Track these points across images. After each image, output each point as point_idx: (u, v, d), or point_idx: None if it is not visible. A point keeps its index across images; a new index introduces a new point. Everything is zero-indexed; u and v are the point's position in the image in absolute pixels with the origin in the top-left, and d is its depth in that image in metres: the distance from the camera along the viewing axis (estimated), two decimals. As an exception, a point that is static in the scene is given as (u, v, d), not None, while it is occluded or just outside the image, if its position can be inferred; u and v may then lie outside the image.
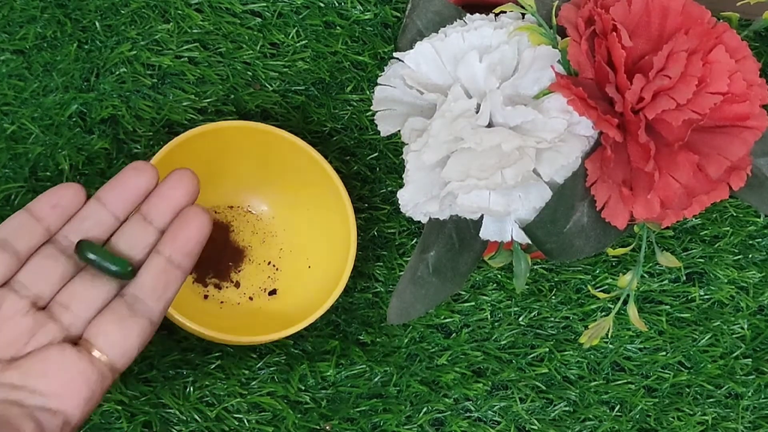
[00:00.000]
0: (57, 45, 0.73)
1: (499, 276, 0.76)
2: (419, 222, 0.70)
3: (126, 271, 0.54)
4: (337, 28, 0.77)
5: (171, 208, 0.56)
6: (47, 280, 0.54)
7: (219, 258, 0.73)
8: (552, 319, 0.76)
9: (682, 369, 0.76)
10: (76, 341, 0.53)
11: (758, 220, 0.79)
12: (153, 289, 0.54)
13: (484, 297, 0.75)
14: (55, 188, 0.55)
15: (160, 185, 0.56)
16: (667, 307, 0.77)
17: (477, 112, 0.56)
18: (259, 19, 0.76)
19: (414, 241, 0.75)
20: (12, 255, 0.53)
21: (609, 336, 0.76)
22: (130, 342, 0.53)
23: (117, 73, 0.73)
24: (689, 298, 0.77)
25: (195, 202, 0.56)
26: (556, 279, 0.76)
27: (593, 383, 0.75)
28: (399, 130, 0.59)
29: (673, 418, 0.75)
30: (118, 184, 0.56)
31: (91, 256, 0.53)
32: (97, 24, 0.74)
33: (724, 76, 0.55)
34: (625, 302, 0.60)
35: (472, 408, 0.74)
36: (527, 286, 0.76)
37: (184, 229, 0.55)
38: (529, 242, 0.58)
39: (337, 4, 0.77)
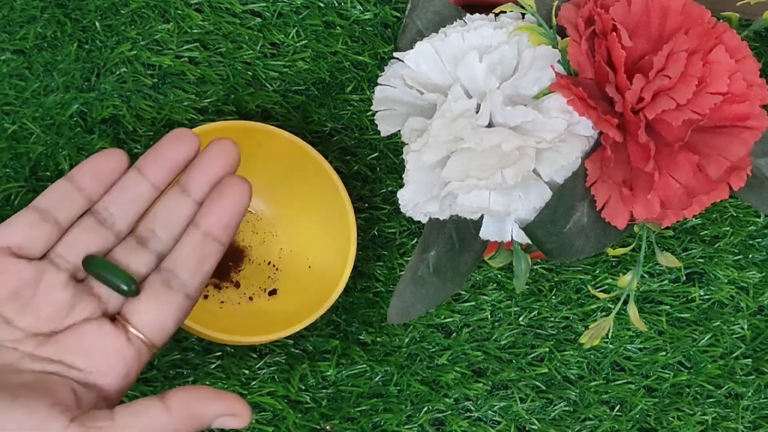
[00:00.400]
0: (57, 45, 0.73)
1: (499, 276, 0.76)
2: (419, 222, 0.70)
3: (131, 290, 0.53)
4: (337, 28, 0.77)
5: (209, 180, 0.55)
6: (86, 253, 0.53)
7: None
8: (552, 319, 0.76)
9: (682, 369, 0.77)
10: (113, 317, 0.53)
11: (758, 220, 0.79)
12: (189, 263, 0.53)
13: (485, 297, 0.75)
14: (98, 155, 0.54)
15: (199, 156, 0.55)
16: (667, 307, 0.77)
17: (477, 112, 0.56)
18: (259, 19, 0.76)
19: (414, 240, 0.76)
20: (53, 225, 0.53)
21: (609, 336, 0.76)
22: (166, 319, 0.53)
23: (117, 72, 0.73)
24: (689, 298, 0.77)
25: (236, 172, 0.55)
26: (556, 279, 0.76)
27: (593, 383, 0.75)
28: (399, 130, 0.59)
29: (673, 418, 0.75)
30: (159, 153, 0.55)
31: (99, 272, 0.53)
32: (97, 24, 0.74)
33: (724, 76, 0.55)
34: (625, 302, 0.60)
35: (473, 408, 0.74)
36: (527, 286, 0.76)
37: (221, 201, 0.54)
38: (529, 242, 0.58)
39: (337, 4, 0.77)
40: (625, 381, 0.76)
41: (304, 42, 0.76)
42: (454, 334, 0.75)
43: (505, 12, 0.59)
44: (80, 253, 0.53)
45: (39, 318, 0.51)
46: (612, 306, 0.76)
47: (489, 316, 0.75)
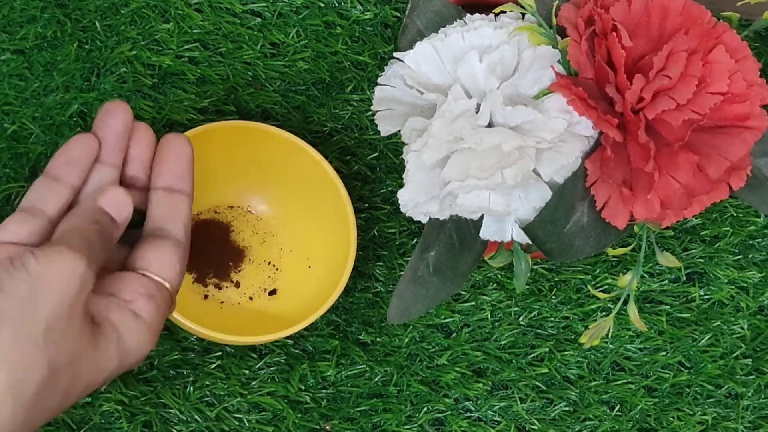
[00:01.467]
0: (57, 45, 0.73)
1: (500, 276, 0.76)
2: (419, 222, 0.70)
3: (140, 219, 0.56)
4: (337, 28, 0.77)
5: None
6: None
7: (219, 258, 0.73)
8: (552, 319, 0.76)
9: (682, 369, 0.76)
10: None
11: (758, 220, 0.79)
12: (165, 214, 0.56)
13: (485, 297, 0.75)
14: (64, 146, 0.56)
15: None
16: (667, 307, 0.77)
17: (477, 112, 0.56)
18: (259, 19, 0.76)
19: (414, 240, 0.76)
20: (43, 219, 0.54)
21: (609, 336, 0.76)
22: (175, 261, 0.55)
23: (117, 72, 0.73)
24: (689, 298, 0.77)
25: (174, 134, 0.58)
26: (556, 279, 0.76)
27: (593, 383, 0.75)
28: (399, 130, 0.59)
29: (673, 418, 0.75)
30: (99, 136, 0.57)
31: None
32: (97, 24, 0.74)
33: (724, 76, 0.55)
34: (625, 302, 0.60)
35: (473, 408, 0.74)
36: (527, 286, 0.76)
37: (165, 159, 0.57)
38: (529, 242, 0.58)
39: (337, 4, 0.77)
40: (625, 381, 0.76)
41: (304, 42, 0.76)
42: (454, 334, 0.75)
43: (505, 12, 0.59)
44: None
45: None
46: (612, 306, 0.76)
47: (489, 316, 0.75)
